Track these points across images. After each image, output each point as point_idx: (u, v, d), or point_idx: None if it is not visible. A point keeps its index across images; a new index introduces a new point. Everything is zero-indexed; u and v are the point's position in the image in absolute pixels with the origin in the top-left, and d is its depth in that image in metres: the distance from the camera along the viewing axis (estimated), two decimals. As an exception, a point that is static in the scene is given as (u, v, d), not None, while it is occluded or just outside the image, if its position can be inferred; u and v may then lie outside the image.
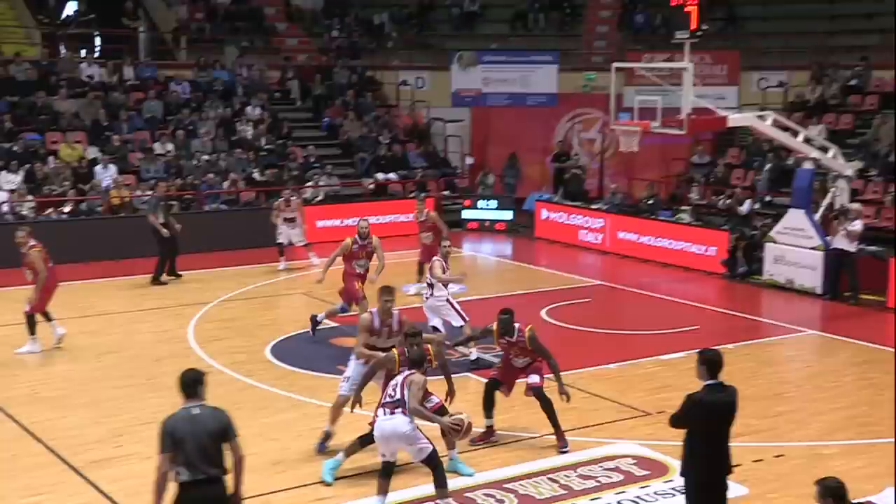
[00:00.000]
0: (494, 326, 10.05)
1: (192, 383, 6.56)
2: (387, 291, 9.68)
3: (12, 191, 19.28)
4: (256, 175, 22.03)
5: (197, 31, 26.57)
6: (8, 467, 9.15)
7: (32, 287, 12.86)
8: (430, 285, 12.78)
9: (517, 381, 10.03)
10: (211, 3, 27.34)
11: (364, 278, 13.66)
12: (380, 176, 23.31)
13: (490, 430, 9.95)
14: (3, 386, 11.44)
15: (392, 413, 8.20)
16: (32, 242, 12.89)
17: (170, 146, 21.89)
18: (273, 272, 18.18)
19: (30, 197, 19.30)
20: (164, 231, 16.97)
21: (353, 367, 9.57)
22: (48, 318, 13.11)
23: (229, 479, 6.49)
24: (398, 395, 8.27)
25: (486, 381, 10.22)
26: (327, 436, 9.53)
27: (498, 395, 10.00)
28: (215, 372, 12.03)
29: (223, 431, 6.46)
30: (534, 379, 9.78)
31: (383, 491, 8.23)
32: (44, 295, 12.87)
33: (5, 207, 18.89)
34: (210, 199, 20.89)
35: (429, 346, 9.01)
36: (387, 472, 8.27)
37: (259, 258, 18.86)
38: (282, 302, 16.01)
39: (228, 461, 6.46)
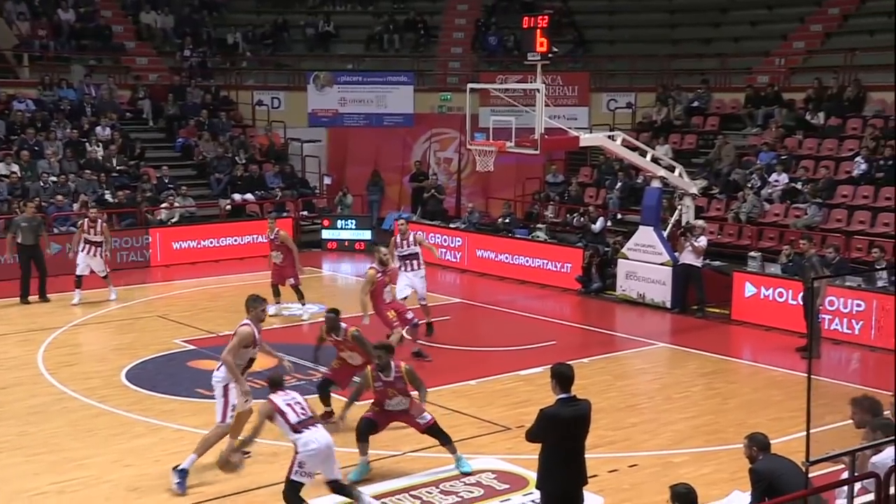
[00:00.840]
0: (323, 329, 10.74)
1: None
2: (261, 300, 9.66)
3: None
4: (108, 197, 21.32)
5: (40, 49, 25.59)
6: None
7: None
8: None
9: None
10: (55, 20, 26.40)
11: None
12: (237, 197, 22.95)
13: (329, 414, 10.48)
14: None
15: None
16: None
17: (14, 167, 20.96)
18: (127, 293, 17.60)
19: None
20: (6, 255, 16.46)
21: (234, 393, 9.30)
22: None
23: None
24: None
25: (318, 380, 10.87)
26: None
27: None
28: (67, 398, 11.58)
29: None
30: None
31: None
32: None
33: None
34: (59, 222, 20.09)
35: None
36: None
37: (114, 280, 18.25)
38: (138, 325, 15.52)
39: None
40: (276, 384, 8.60)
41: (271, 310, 15.59)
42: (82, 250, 16.79)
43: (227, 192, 22.96)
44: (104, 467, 9.03)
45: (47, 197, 20.43)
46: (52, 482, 9.12)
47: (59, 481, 9.12)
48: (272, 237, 16.07)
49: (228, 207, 22.56)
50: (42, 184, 20.77)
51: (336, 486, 8.52)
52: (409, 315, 13.59)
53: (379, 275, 13.32)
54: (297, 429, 8.23)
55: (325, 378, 11.14)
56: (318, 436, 8.23)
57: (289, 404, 8.37)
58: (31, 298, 16.89)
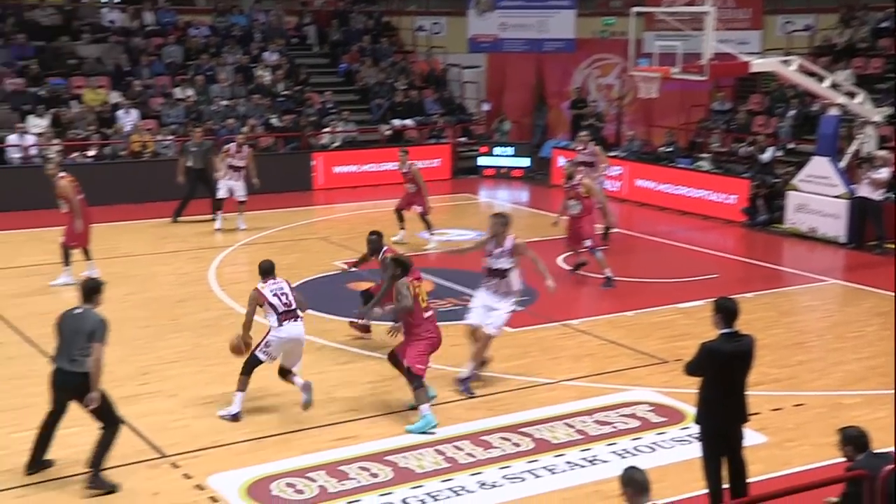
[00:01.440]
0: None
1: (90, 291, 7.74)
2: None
3: (39, 134, 19.31)
4: (275, 121, 21.90)
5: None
6: (43, 401, 9.15)
7: (67, 219, 13.16)
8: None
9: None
10: (229, -52, 26.98)
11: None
12: (396, 122, 23.13)
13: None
14: (37, 323, 11.51)
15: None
16: (62, 174, 13.24)
17: (190, 91, 21.77)
18: (291, 216, 18.13)
19: (56, 140, 19.31)
20: (180, 177, 17.26)
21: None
22: (87, 256, 13.39)
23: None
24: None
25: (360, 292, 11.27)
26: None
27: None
28: (235, 314, 12.05)
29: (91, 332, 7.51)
30: None
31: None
32: (81, 226, 13.17)
33: (33, 151, 18.94)
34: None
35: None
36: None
37: (278, 203, 18.83)
38: (300, 246, 15.99)
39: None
40: (266, 273, 9.12)
41: (396, 237, 15.74)
42: (228, 172, 16.93)
43: (387, 118, 23.16)
44: (271, 380, 9.37)
45: (219, 120, 21.15)
46: (223, 391, 9.54)
47: (229, 391, 9.51)
48: (405, 170, 16.08)
49: (388, 133, 22.78)
50: (214, 108, 21.50)
51: (283, 373, 9.11)
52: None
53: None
54: (280, 319, 8.89)
55: (366, 291, 11.43)
56: (294, 328, 8.94)
57: (275, 294, 8.99)
58: (181, 219, 17.38)
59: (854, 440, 6.16)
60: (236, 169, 16.98)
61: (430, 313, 9.01)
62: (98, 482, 7.65)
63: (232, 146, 17.13)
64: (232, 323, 11.84)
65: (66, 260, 13.30)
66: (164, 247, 15.85)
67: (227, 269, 14.54)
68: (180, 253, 15.30)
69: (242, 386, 8.99)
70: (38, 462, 7.89)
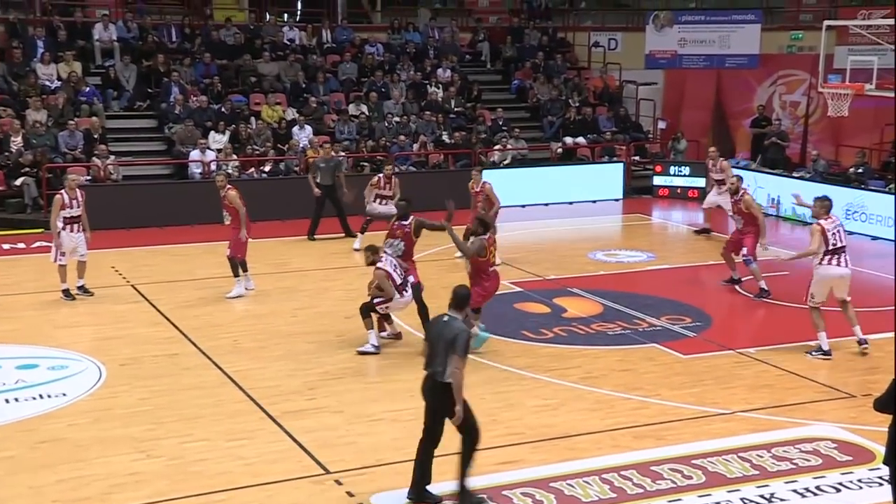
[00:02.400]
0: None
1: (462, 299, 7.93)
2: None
3: (219, 150, 20.31)
4: (445, 137, 22.24)
5: (392, -7, 27.03)
6: (214, 412, 9.70)
7: (232, 232, 13.71)
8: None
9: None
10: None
11: None
12: (568, 140, 23.04)
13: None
14: (208, 335, 12.10)
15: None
16: (230, 186, 13.88)
17: (363, 108, 22.42)
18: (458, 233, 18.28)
19: (234, 156, 20.28)
20: (315, 190, 17.59)
21: None
22: (244, 268, 13.91)
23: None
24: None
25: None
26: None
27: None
28: (403, 332, 12.25)
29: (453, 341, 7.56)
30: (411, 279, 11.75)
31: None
32: (246, 237, 13.64)
33: (213, 166, 19.94)
34: (399, 161, 21.29)
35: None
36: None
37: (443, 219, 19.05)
38: (464, 264, 16.07)
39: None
40: (374, 250, 11.34)
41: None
42: (376, 201, 16.86)
43: (559, 135, 23.10)
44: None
45: (391, 137, 21.66)
46: (387, 409, 9.71)
47: (394, 409, 9.68)
48: (477, 189, 15.75)
49: (560, 150, 22.72)
50: (386, 124, 22.04)
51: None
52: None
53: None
54: (399, 290, 11.37)
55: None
56: (408, 296, 11.59)
57: (394, 268, 11.36)
58: (317, 237, 17.65)
59: None
60: (385, 198, 16.86)
61: (493, 269, 11.47)
62: (465, 497, 7.59)
63: (380, 177, 17.00)
64: (401, 341, 12.08)
65: (236, 271, 13.86)
66: (333, 262, 16.31)
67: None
68: (349, 269, 15.71)
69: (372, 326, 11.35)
70: (419, 493, 7.71)
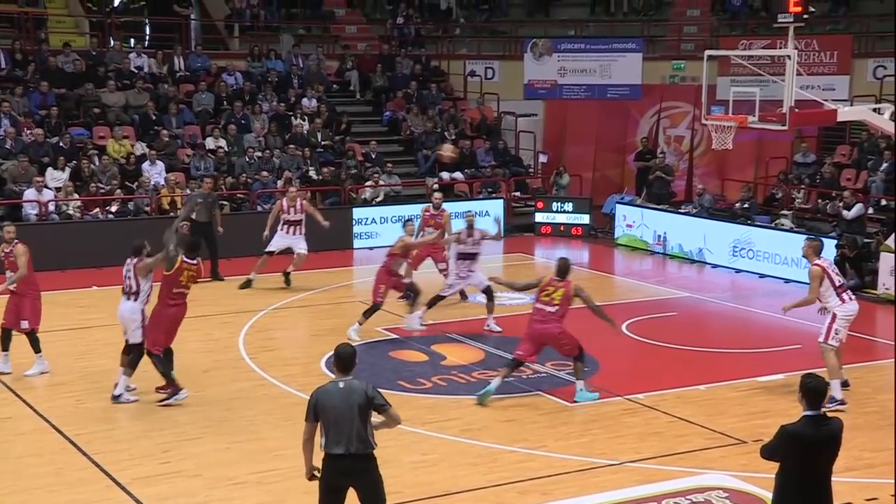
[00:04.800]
0: None
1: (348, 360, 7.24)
2: None
3: (58, 189, 19.73)
4: (312, 174, 22.22)
5: (251, 19, 26.95)
6: (52, 481, 9.36)
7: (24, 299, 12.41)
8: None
9: None
10: (262, -14, 27.75)
11: None
12: (445, 175, 23.33)
13: None
14: (48, 395, 11.70)
15: None
16: (18, 240, 12.55)
17: (222, 142, 22.20)
18: (329, 277, 18.29)
19: (76, 196, 19.71)
20: (183, 226, 16.99)
21: None
22: (37, 345, 12.45)
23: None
24: None
25: None
26: None
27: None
28: (267, 385, 12.13)
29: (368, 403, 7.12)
30: None
31: None
32: (35, 305, 12.40)
33: (52, 207, 19.34)
34: (263, 199, 21.14)
35: None
36: None
37: (315, 262, 18.99)
38: (338, 311, 16.09)
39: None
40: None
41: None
42: (281, 229, 17.19)
43: (435, 170, 23.37)
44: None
45: (252, 173, 21.51)
46: (251, 471, 9.57)
47: (259, 471, 9.55)
48: (434, 213, 16.26)
49: (436, 186, 22.97)
50: (247, 159, 21.88)
51: None
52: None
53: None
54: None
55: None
56: None
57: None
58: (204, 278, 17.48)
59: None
60: (293, 224, 17.20)
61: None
62: None
63: (284, 200, 17.29)
64: (265, 395, 11.95)
65: (37, 345, 12.45)
66: (192, 310, 15.98)
67: (258, 335, 14.67)
68: (210, 317, 15.47)
69: None
70: None
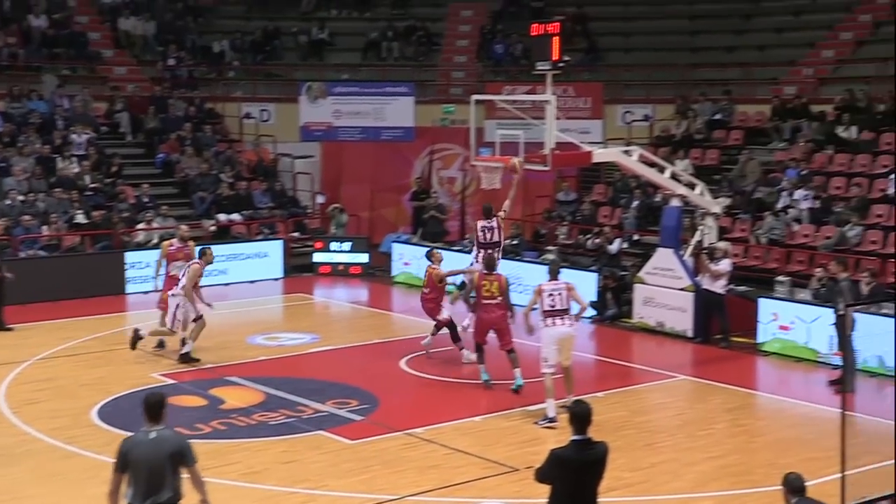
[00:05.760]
0: None
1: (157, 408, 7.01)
2: None
3: None
4: (81, 218, 21.28)
5: (9, 58, 25.68)
6: None
7: None
8: None
9: None
10: (25, 27, 26.52)
11: None
12: (222, 217, 22.94)
13: None
14: None
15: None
16: None
17: (-21, 185, 20.96)
18: (100, 323, 17.53)
19: None
20: None
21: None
22: None
23: None
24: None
25: None
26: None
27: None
28: (31, 440, 11.48)
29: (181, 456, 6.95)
30: None
31: None
32: None
33: None
34: (26, 245, 20.07)
35: None
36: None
37: (85, 309, 18.20)
38: (111, 358, 15.43)
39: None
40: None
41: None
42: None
43: (212, 213, 22.95)
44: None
45: (14, 217, 20.40)
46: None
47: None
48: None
49: (213, 229, 22.54)
50: (9, 203, 20.75)
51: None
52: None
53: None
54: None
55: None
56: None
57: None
58: None
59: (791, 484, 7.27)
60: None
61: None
62: None
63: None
64: (28, 450, 11.28)
65: None
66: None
67: (21, 387, 13.85)
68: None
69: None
70: None
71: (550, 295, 12.41)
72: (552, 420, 12.07)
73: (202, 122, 25.87)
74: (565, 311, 12.40)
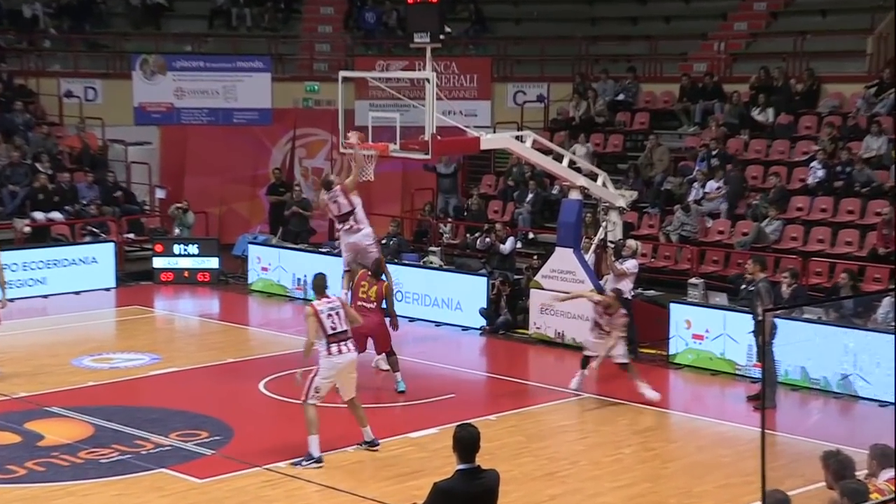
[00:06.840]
0: None
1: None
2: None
3: None
4: None
5: None
6: None
7: None
8: None
9: None
10: None
11: None
12: (38, 216, 22.37)
13: None
14: None
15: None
16: None
17: None
18: None
19: None
20: None
21: None
22: None
23: None
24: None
25: None
26: None
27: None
28: None
29: None
30: None
31: None
32: None
33: None
34: None
35: None
36: None
37: None
38: None
39: None
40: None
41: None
42: None
43: (26, 210, 22.37)
44: None
45: None
46: None
47: None
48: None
49: (27, 229, 21.95)
50: None
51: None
52: None
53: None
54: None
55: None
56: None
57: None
58: None
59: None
60: None
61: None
62: None
63: None
64: None
65: None
66: None
67: None
68: None
69: None
70: None
71: (329, 315, 11.87)
72: (318, 460, 11.86)
73: (12, 102, 25.21)
74: (346, 334, 11.98)
